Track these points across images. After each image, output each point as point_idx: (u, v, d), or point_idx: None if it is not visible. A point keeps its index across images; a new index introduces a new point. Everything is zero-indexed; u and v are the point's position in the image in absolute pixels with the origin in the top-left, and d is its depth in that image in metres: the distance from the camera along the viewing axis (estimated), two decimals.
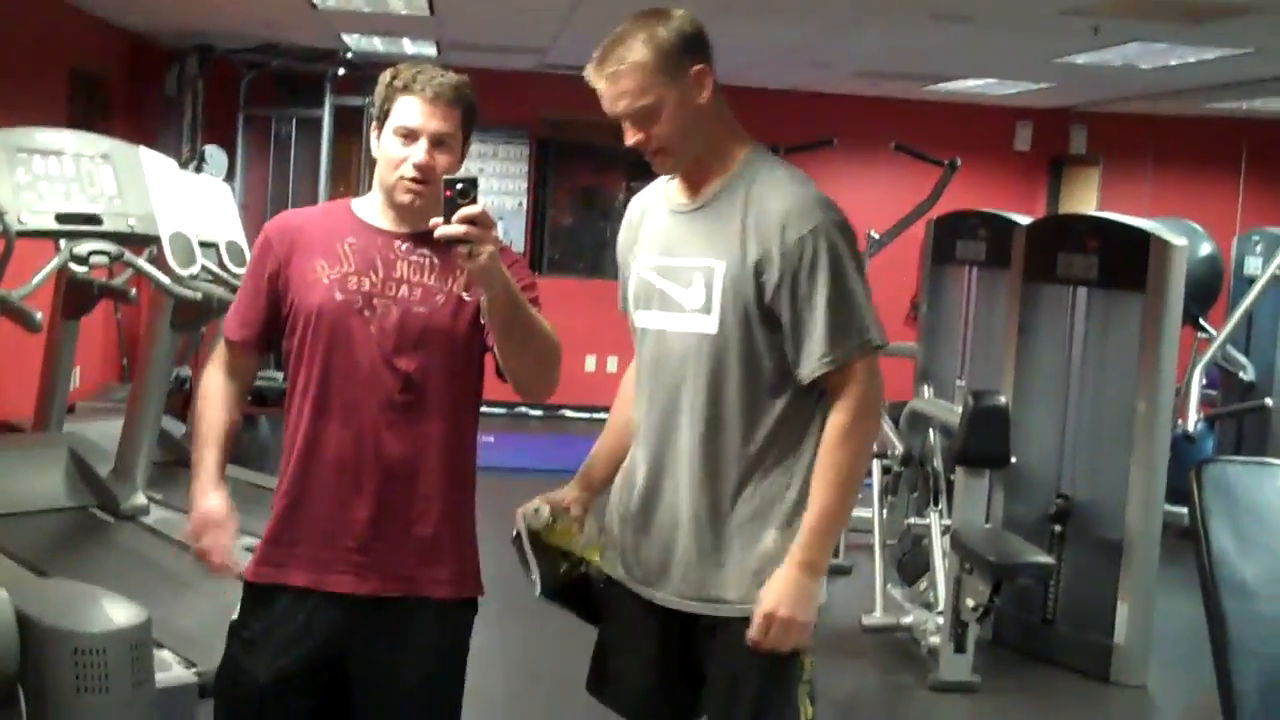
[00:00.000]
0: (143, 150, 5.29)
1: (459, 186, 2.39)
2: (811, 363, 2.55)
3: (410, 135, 2.60)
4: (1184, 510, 6.12)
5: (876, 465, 6.27)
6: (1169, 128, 10.98)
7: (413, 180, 2.60)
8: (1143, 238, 5.53)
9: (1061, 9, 6.24)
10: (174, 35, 9.48)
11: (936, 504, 5.87)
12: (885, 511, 6.25)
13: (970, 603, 5.06)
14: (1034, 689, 5.44)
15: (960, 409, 5.46)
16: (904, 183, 9.28)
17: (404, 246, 2.66)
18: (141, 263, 5.17)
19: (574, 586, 2.87)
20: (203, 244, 5.21)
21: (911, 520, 6.12)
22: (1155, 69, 8.14)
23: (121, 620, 2.94)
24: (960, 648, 5.19)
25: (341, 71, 9.77)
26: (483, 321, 2.57)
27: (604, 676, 2.88)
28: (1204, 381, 6.95)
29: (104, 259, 5.05)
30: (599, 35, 2.61)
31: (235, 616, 2.74)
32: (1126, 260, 5.56)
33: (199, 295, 5.11)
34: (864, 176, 10.61)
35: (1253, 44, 7.03)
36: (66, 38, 8.31)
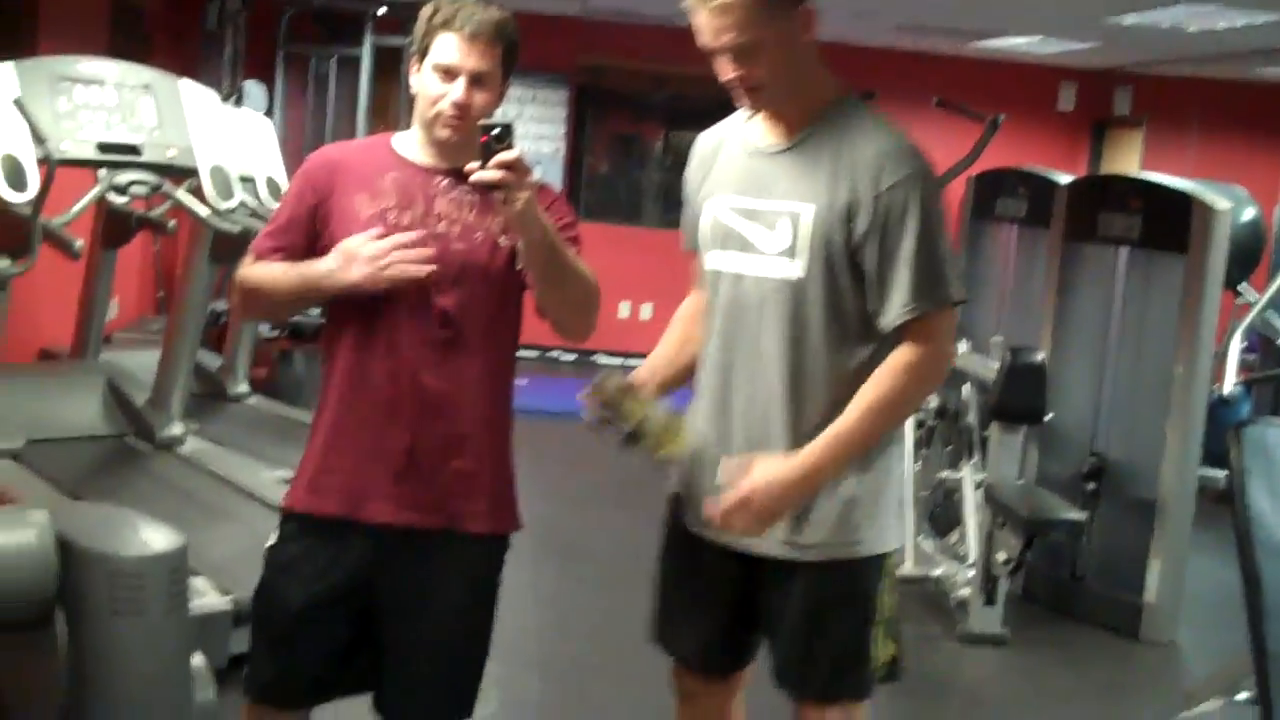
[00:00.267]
0: (184, 82, 5.29)
1: (495, 132, 2.38)
2: (894, 311, 2.52)
3: (449, 73, 2.57)
4: (1218, 474, 6.12)
5: (910, 418, 6.25)
6: (1215, 92, 10.87)
7: (451, 117, 2.58)
8: (1186, 199, 5.49)
9: None
10: None
11: (970, 458, 5.87)
12: (919, 464, 6.25)
13: (1001, 557, 5.07)
14: (1063, 644, 5.43)
15: (996, 365, 5.45)
16: (944, 139, 9.13)
17: (444, 183, 2.64)
18: (181, 194, 5.18)
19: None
20: (242, 178, 5.22)
21: (944, 474, 6.12)
22: (1203, 32, 8.05)
23: (158, 545, 2.95)
24: (990, 600, 5.20)
25: (382, 11, 9.71)
26: (518, 267, 2.57)
27: (668, 623, 2.87)
28: (1243, 345, 6.90)
29: (143, 190, 5.06)
30: None
31: (271, 542, 2.75)
32: (1169, 221, 5.52)
33: (238, 229, 5.12)
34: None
35: None
36: None
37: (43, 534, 2.89)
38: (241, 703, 2.75)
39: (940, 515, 6.06)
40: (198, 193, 5.15)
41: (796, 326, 2.57)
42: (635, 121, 11.20)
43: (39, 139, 4.48)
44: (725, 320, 2.66)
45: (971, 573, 5.33)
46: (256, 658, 2.76)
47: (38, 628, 2.90)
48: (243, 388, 6.68)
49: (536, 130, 10.97)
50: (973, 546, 5.44)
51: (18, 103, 4.40)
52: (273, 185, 5.36)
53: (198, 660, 3.10)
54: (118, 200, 5.19)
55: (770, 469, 2.52)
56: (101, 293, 6.31)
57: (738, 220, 2.64)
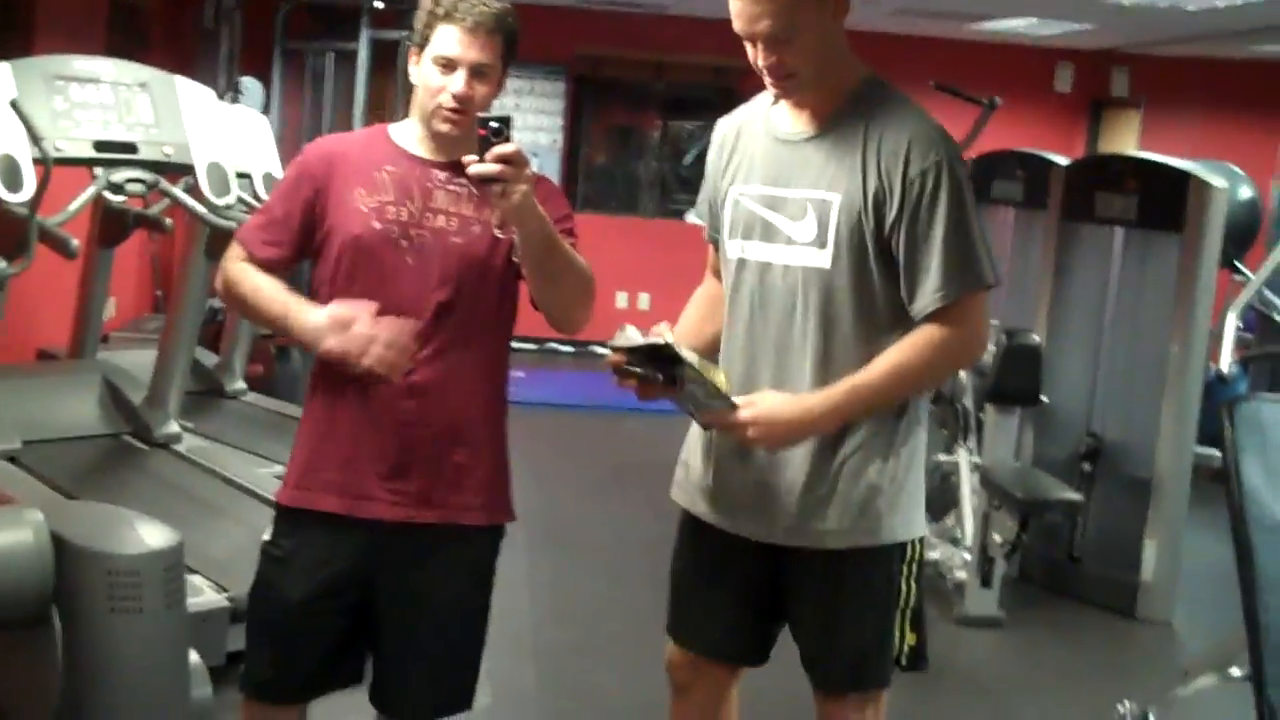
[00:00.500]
0: (180, 80, 5.28)
1: (493, 125, 2.37)
2: (925, 298, 2.50)
3: (449, 65, 2.57)
4: (1215, 453, 6.12)
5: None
6: (1212, 71, 10.85)
7: (451, 110, 2.58)
8: (1182, 178, 5.49)
9: None
10: None
11: (966, 440, 5.88)
12: None
13: (998, 538, 5.08)
14: (1060, 624, 5.45)
15: (992, 347, 5.45)
16: (942, 122, 9.17)
17: (442, 176, 2.64)
18: (177, 192, 5.17)
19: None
20: (239, 175, 5.22)
21: (940, 456, 6.13)
22: (1201, 10, 8.03)
23: (154, 542, 2.97)
24: (987, 583, 5.22)
25: (378, 5, 9.72)
26: (514, 259, 2.57)
27: (687, 616, 2.85)
28: (1240, 324, 6.90)
29: (140, 187, 5.05)
30: None
31: (266, 537, 2.76)
32: (1166, 201, 5.52)
33: (234, 225, 5.12)
34: None
35: None
36: None
37: (38, 533, 2.90)
38: (238, 700, 2.75)
39: (936, 498, 6.06)
40: (194, 190, 5.15)
41: (825, 317, 2.55)
42: (632, 112, 11.21)
43: (35, 138, 4.48)
44: (751, 309, 2.64)
45: (968, 555, 5.35)
46: (252, 654, 2.76)
47: (34, 626, 2.92)
48: (239, 385, 6.67)
49: (534, 121, 10.97)
50: (969, 529, 5.45)
51: (14, 103, 4.40)
52: (269, 181, 5.35)
53: (194, 658, 3.11)
54: (114, 199, 5.19)
55: (776, 407, 2.49)
56: (98, 292, 6.30)
57: (762, 209, 2.61)
